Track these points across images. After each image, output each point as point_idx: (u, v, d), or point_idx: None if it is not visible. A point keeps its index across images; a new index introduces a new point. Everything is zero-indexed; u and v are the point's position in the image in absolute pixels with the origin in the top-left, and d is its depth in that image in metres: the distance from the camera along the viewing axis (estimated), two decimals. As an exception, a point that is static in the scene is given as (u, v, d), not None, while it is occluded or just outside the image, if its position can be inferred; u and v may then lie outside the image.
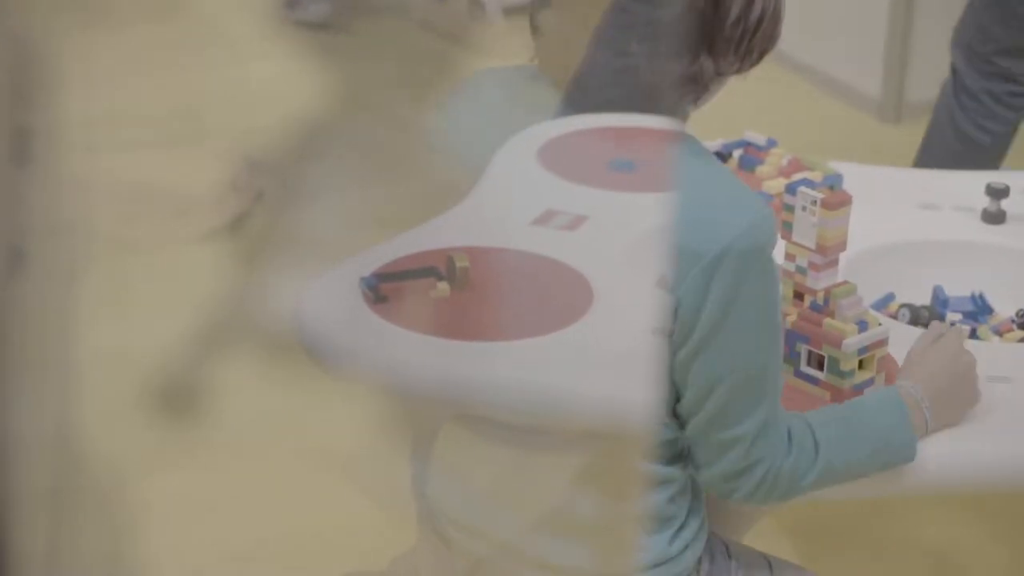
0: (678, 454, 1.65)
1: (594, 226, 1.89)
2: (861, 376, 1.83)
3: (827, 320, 1.82)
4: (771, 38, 1.59)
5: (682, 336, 1.57)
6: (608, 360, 1.67)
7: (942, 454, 1.78)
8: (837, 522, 2.60)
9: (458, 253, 1.75)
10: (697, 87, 1.58)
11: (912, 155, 3.36)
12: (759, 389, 1.59)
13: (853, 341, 1.81)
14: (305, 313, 1.73)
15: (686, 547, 1.66)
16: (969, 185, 2.41)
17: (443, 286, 1.73)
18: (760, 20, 1.56)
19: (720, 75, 1.59)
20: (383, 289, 1.72)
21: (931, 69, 4.46)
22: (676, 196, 1.56)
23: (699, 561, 1.69)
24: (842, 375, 1.82)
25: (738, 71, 1.60)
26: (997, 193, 2.32)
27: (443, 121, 1.91)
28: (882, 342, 1.84)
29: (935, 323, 1.85)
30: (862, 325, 1.82)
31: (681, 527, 1.65)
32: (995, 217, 2.33)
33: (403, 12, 2.77)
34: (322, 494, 2.43)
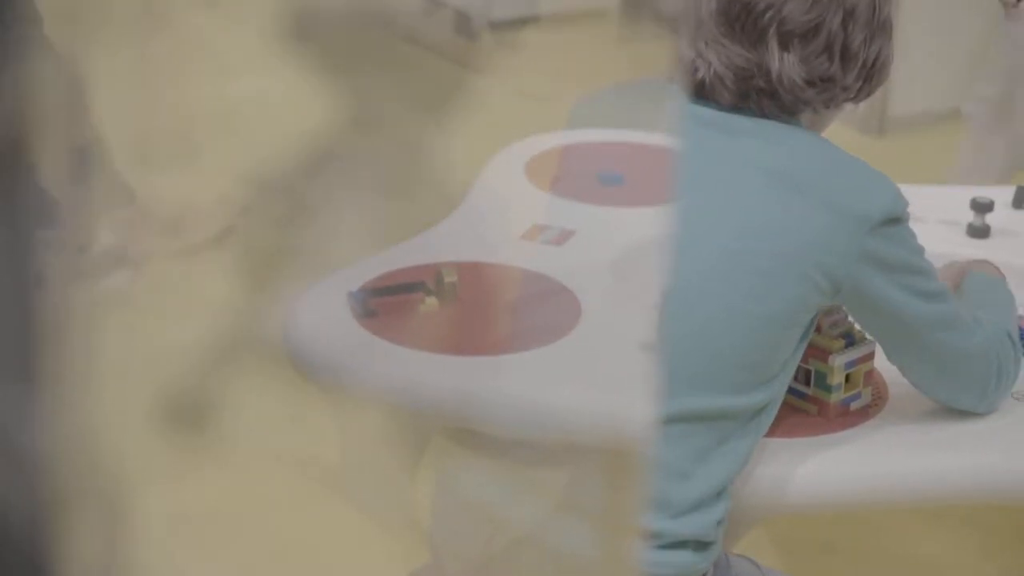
0: (753, 433, 1.69)
1: (582, 240, 1.89)
2: (848, 390, 1.84)
3: (814, 335, 1.83)
4: (884, 74, 1.79)
5: (857, 299, 1.70)
6: (596, 374, 1.68)
7: (929, 467, 1.78)
8: (825, 535, 2.61)
9: (446, 268, 1.76)
10: (828, 91, 1.71)
11: (896, 168, 3.37)
12: (952, 317, 1.75)
13: (839, 356, 1.81)
14: (294, 327, 1.73)
15: (716, 542, 1.67)
16: (954, 199, 2.42)
17: (431, 300, 1.74)
18: (880, 53, 1.76)
19: (845, 90, 1.73)
20: (372, 303, 1.73)
21: (914, 83, 4.49)
22: (822, 172, 1.68)
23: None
24: (829, 389, 1.83)
25: (856, 96, 1.76)
26: (982, 207, 2.33)
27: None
28: (868, 356, 1.85)
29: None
30: (848, 339, 1.83)
31: (722, 520, 1.67)
32: (980, 231, 2.34)
33: (390, 26, 2.77)
34: (323, 508, 2.42)
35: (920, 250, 1.73)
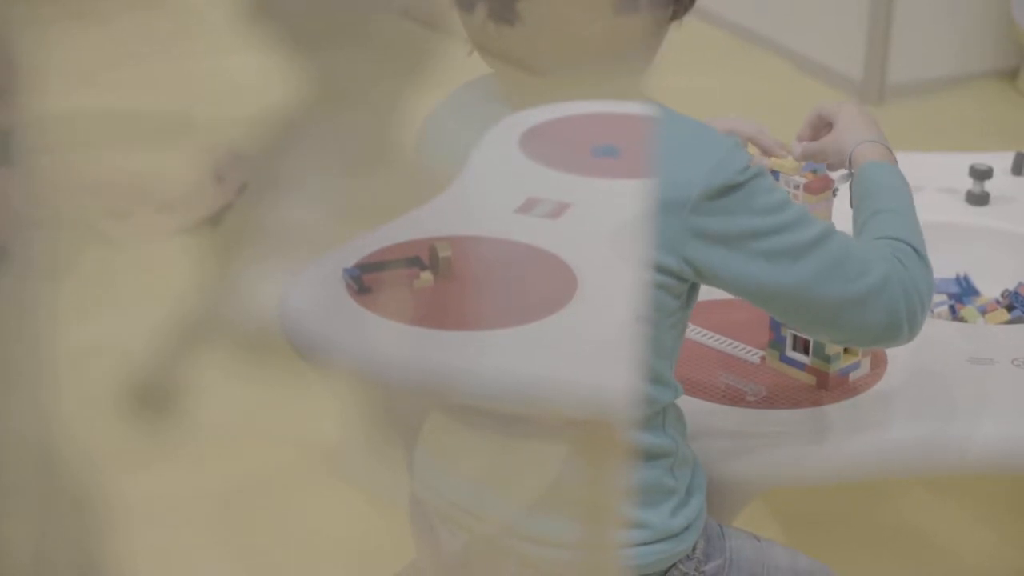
0: (665, 424, 1.65)
1: (578, 213, 1.88)
2: (847, 360, 1.84)
3: (812, 305, 1.82)
4: None
5: (716, 282, 1.58)
6: (593, 348, 1.67)
7: (929, 437, 1.78)
8: (823, 507, 2.61)
9: (441, 243, 1.74)
10: (639, 27, 1.62)
11: (895, 136, 3.36)
12: (831, 266, 1.57)
13: (838, 325, 1.81)
14: (288, 305, 1.72)
15: (688, 526, 1.66)
16: (953, 166, 2.41)
17: (426, 276, 1.73)
18: None
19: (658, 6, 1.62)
20: (366, 280, 1.72)
21: (913, 50, 4.47)
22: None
23: (696, 540, 1.70)
24: (828, 359, 1.82)
25: (674, 14, 1.64)
26: (981, 174, 2.32)
27: (426, 138, 1.90)
28: (867, 326, 1.84)
29: (823, 104, 1.93)
30: (847, 309, 1.82)
31: (682, 503, 1.66)
32: (979, 198, 2.33)
33: (385, 1, 2.76)
34: (302, 490, 2.42)
35: (776, 206, 1.56)
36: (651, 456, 1.64)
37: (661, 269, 1.58)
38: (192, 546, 2.30)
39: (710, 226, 1.55)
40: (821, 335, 1.70)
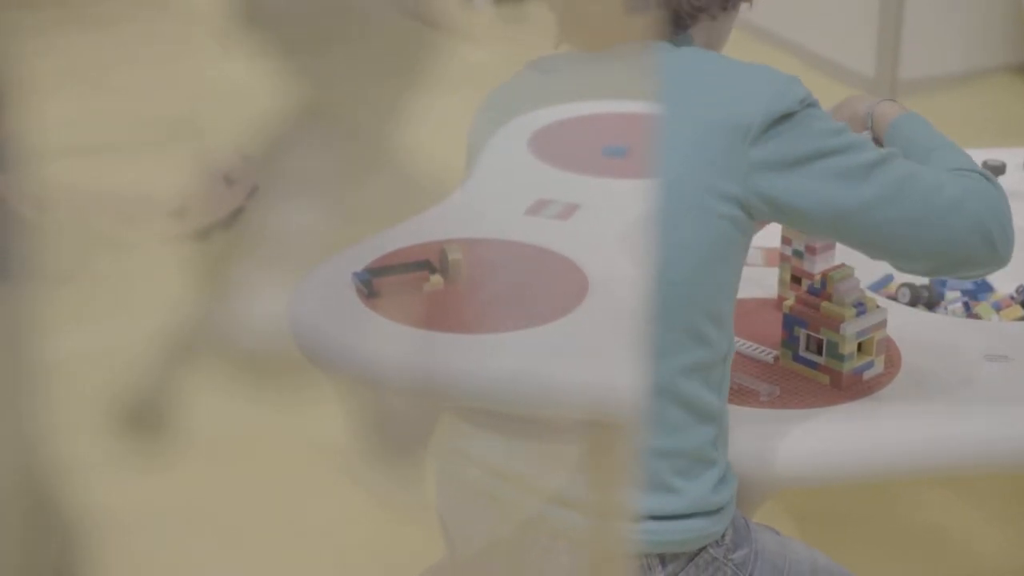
0: (722, 383, 1.65)
1: (587, 214, 1.87)
2: (861, 359, 1.83)
3: (824, 303, 1.81)
4: None
5: (792, 213, 1.60)
6: (605, 348, 1.66)
7: (944, 436, 1.77)
8: (837, 506, 2.60)
9: (451, 245, 1.74)
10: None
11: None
12: (905, 179, 1.60)
13: (851, 325, 1.80)
14: (297, 310, 1.71)
15: (724, 507, 1.65)
16: (965, 163, 2.40)
17: (436, 279, 1.72)
18: None
19: None
20: (376, 284, 1.71)
21: (924, 46, 4.46)
22: (691, 90, 1.61)
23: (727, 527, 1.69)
24: (841, 358, 1.81)
25: None
26: (994, 170, 2.31)
27: (474, 130, 1.89)
28: (880, 325, 1.83)
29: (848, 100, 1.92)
30: (860, 308, 1.81)
31: (722, 480, 1.65)
32: (992, 194, 2.32)
33: (390, 1, 2.75)
34: (314, 496, 2.42)
35: (835, 130, 1.59)
36: (702, 417, 1.62)
37: (726, 197, 1.58)
38: (199, 554, 2.29)
39: (774, 153, 1.57)
40: (910, 260, 1.66)
